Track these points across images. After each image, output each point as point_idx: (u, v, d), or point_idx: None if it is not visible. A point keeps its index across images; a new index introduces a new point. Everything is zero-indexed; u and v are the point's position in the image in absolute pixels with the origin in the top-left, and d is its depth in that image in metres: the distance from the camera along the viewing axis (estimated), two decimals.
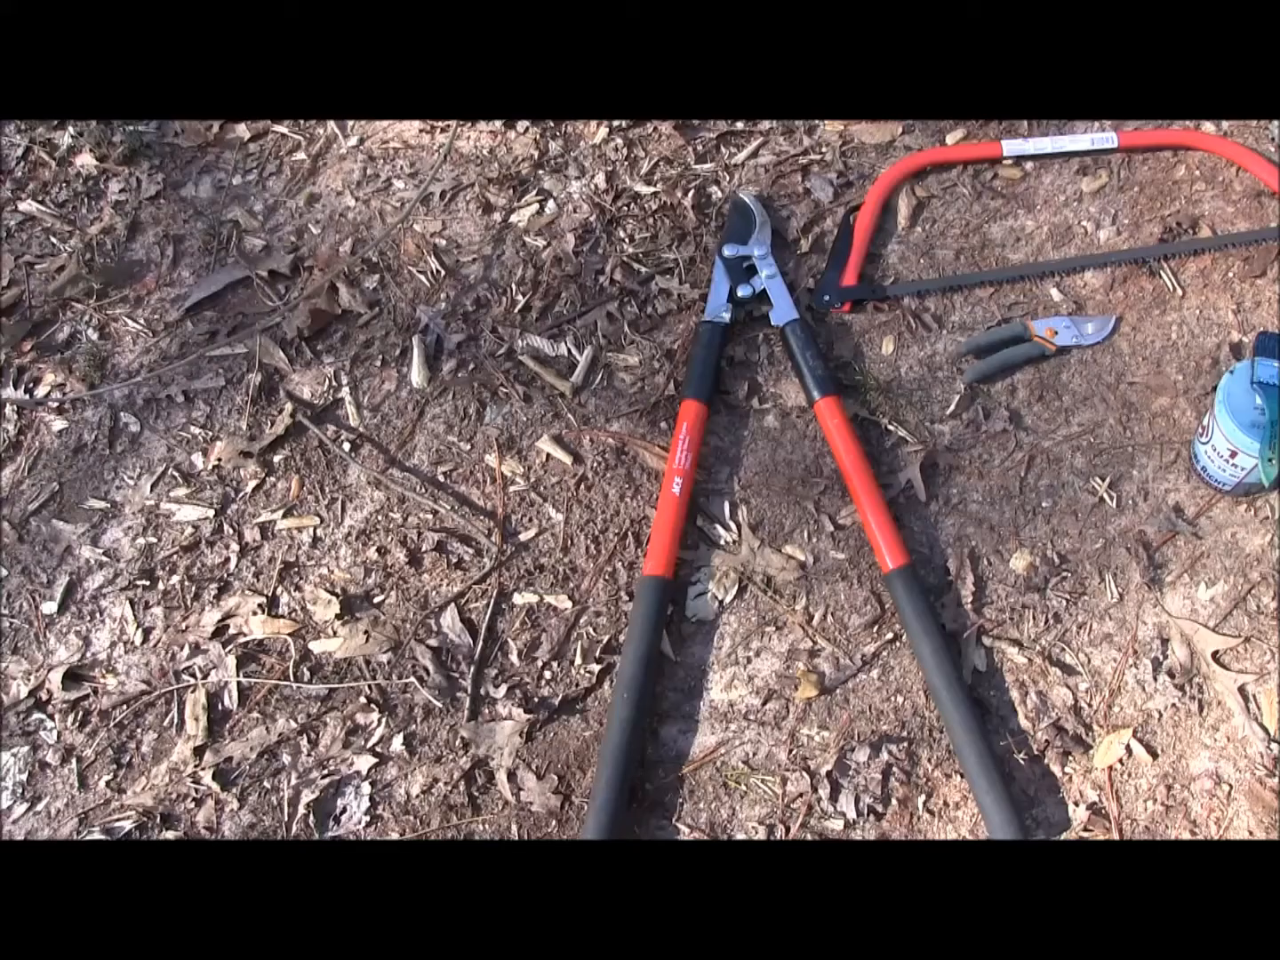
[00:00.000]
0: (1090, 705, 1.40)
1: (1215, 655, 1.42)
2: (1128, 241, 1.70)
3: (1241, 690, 1.39)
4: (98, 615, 1.56)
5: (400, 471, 1.64)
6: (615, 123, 1.91)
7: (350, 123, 1.99)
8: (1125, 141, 1.78)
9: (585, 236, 1.76)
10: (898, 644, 1.43)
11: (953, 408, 1.57)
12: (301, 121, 1.96)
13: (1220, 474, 1.42)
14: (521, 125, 1.90)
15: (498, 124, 1.93)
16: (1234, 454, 1.37)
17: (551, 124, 1.91)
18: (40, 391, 1.75)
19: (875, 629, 1.44)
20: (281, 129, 1.96)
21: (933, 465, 1.53)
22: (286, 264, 1.79)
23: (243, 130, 2.01)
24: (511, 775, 1.37)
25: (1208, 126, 1.83)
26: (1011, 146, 1.76)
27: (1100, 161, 1.80)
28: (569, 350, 1.66)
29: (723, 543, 1.50)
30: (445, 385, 1.66)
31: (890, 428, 1.55)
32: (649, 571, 1.48)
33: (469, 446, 1.60)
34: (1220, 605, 1.43)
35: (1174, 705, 1.40)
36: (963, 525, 1.48)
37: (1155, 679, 1.41)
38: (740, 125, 1.90)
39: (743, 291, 1.64)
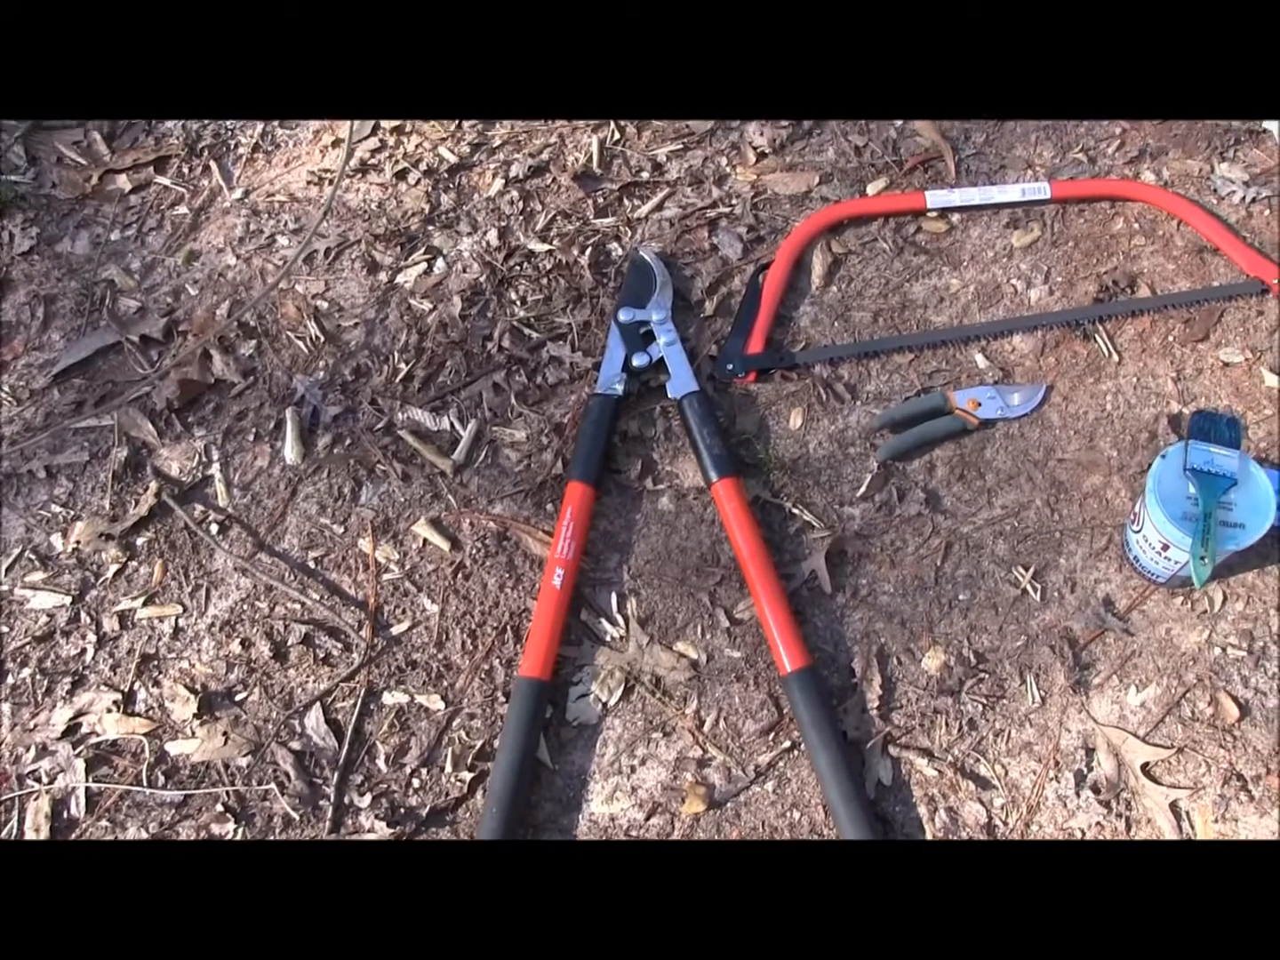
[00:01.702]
0: (1006, 823, 1.31)
1: (1145, 768, 1.32)
2: (1060, 302, 1.58)
3: (1173, 807, 1.29)
4: None
5: (269, 556, 1.54)
6: (512, 174, 1.84)
7: (235, 174, 1.93)
8: (1059, 192, 1.67)
9: (474, 299, 1.64)
10: (796, 753, 1.31)
11: (864, 489, 1.45)
12: (185, 173, 1.84)
13: (1153, 565, 1.32)
14: (413, 177, 1.77)
15: (388, 175, 1.86)
16: (1166, 547, 1.26)
17: (445, 175, 1.85)
18: None
19: (771, 736, 1.33)
20: (164, 180, 1.85)
21: (840, 553, 1.41)
22: (160, 328, 1.68)
23: (124, 181, 1.93)
24: None
25: (1148, 176, 1.69)
26: (936, 198, 1.65)
27: (1032, 213, 1.69)
28: (451, 424, 1.54)
29: (609, 639, 1.38)
30: (320, 462, 1.53)
31: (795, 511, 1.43)
32: (525, 673, 1.38)
33: (342, 529, 1.48)
34: (1152, 711, 1.33)
35: (1098, 823, 1.29)
36: (871, 620, 1.36)
37: (1078, 793, 1.30)
38: (645, 176, 1.82)
39: (638, 360, 1.52)
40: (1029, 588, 1.41)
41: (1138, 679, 1.36)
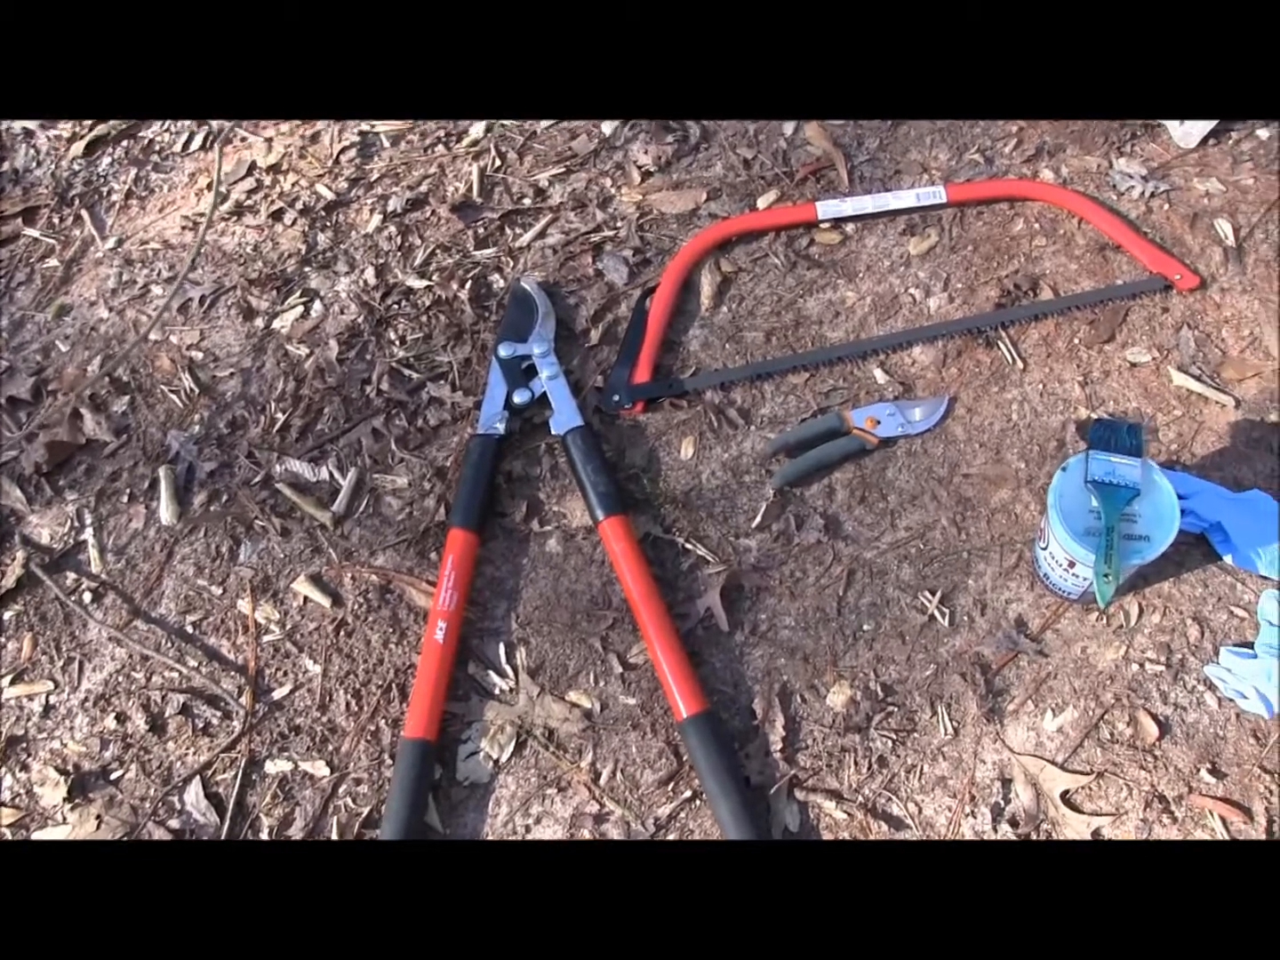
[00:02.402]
0: None
1: (1065, 796, 1.27)
2: (961, 309, 1.52)
3: (1095, 835, 1.24)
4: None
5: (145, 624, 1.48)
6: (390, 209, 1.80)
7: (109, 222, 1.88)
8: (955, 195, 1.62)
9: (351, 341, 1.58)
10: (697, 803, 1.23)
11: (760, 518, 1.38)
12: (56, 224, 1.77)
13: (1063, 583, 1.29)
14: (289, 217, 1.70)
15: (263, 216, 1.81)
16: (1073, 564, 1.23)
17: (322, 213, 1.80)
18: None
19: (671, 786, 1.27)
20: (33, 232, 1.78)
21: (737, 588, 1.35)
22: (28, 388, 1.61)
23: None
24: None
25: (1046, 174, 1.64)
26: (827, 208, 1.59)
27: (929, 219, 1.63)
28: (331, 474, 1.47)
29: (498, 692, 1.31)
30: (196, 521, 1.46)
31: (688, 546, 1.36)
32: (410, 734, 1.32)
33: (220, 591, 1.41)
34: (1070, 736, 1.28)
35: None
36: (772, 657, 1.30)
37: (996, 828, 1.25)
38: (527, 203, 1.77)
39: (520, 397, 1.46)
40: (937, 613, 1.35)
41: (1054, 703, 1.31)
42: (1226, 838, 1.21)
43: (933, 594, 1.35)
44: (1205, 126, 1.71)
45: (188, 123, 1.86)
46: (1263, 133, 1.74)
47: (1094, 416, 1.46)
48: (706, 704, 1.29)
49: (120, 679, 1.45)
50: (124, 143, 1.91)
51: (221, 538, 1.49)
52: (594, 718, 1.33)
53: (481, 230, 1.70)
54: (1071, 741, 1.28)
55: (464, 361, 1.56)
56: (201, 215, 1.77)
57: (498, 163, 1.78)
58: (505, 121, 1.78)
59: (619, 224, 1.68)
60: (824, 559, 1.38)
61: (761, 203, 1.68)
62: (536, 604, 1.39)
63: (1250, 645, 1.30)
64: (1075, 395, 1.48)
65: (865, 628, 1.34)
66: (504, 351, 1.51)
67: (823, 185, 1.71)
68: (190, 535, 1.50)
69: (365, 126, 1.83)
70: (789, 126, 1.79)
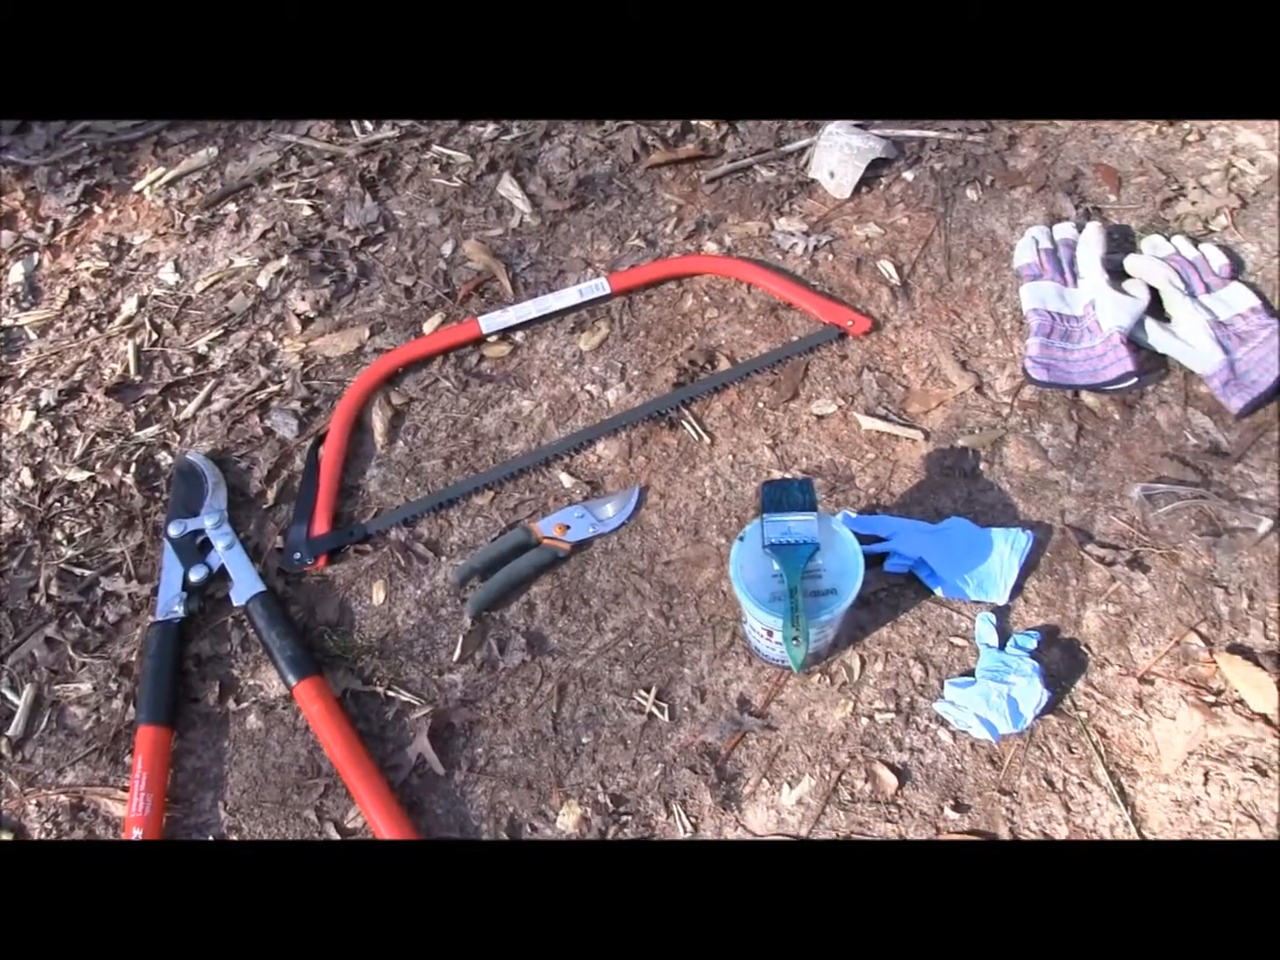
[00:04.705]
0: None
1: None
2: (641, 396, 1.55)
3: None
4: None
5: None
6: (42, 403, 1.79)
7: None
8: (619, 284, 1.66)
9: (13, 550, 1.53)
10: None
11: (459, 650, 1.37)
12: None
13: (771, 652, 1.30)
14: None
15: None
16: (770, 632, 1.23)
17: None
18: None
19: None
20: None
21: (447, 727, 1.33)
22: None
23: None
24: None
25: (710, 247, 1.69)
26: (490, 321, 1.61)
27: (598, 312, 1.66)
28: (3, 695, 1.38)
29: None
30: None
31: (391, 694, 1.34)
32: None
33: None
34: (810, 805, 1.31)
35: None
36: (494, 791, 1.28)
37: None
38: (188, 372, 1.79)
39: (196, 575, 1.42)
40: (655, 710, 1.35)
41: (789, 775, 1.32)
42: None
43: (648, 691, 1.35)
44: (855, 176, 1.78)
45: None
46: (908, 175, 1.83)
47: (788, 475, 1.47)
48: None
49: None
50: None
51: None
52: None
53: (143, 409, 1.68)
54: (813, 811, 1.28)
55: (137, 549, 1.53)
56: None
57: (154, 336, 1.77)
58: (159, 292, 1.75)
59: (284, 377, 1.67)
60: (533, 679, 1.37)
61: (427, 328, 1.70)
62: (244, 787, 1.35)
63: (973, 673, 1.30)
64: (766, 459, 1.50)
65: (585, 740, 1.32)
66: (174, 530, 1.48)
67: (487, 299, 1.73)
68: None
69: (8, 321, 1.79)
70: (447, 247, 1.82)
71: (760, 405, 1.59)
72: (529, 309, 1.67)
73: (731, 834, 1.30)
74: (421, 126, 2.04)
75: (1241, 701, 1.31)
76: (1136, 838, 1.24)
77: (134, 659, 1.46)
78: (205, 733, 1.40)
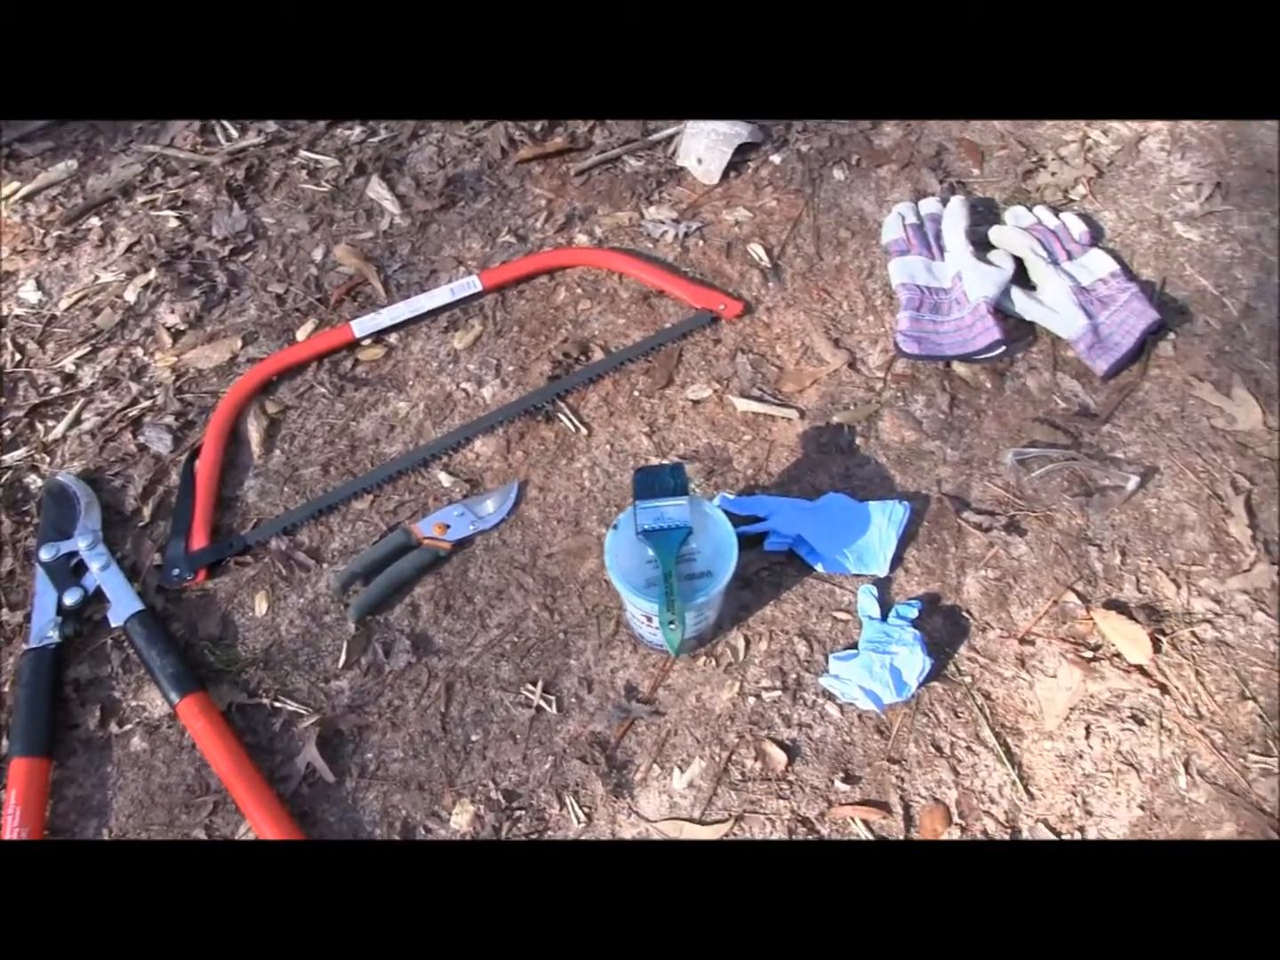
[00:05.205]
0: None
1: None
2: (516, 391, 1.56)
3: None
4: None
5: None
6: None
7: None
8: (491, 281, 1.66)
9: None
10: None
11: (344, 656, 1.36)
12: None
13: (654, 638, 1.32)
14: None
15: None
16: (650, 618, 1.25)
17: None
18: None
19: None
20: None
21: (336, 734, 1.33)
22: None
23: None
24: None
25: (582, 239, 1.70)
26: (363, 325, 1.61)
27: (471, 310, 1.67)
28: None
29: None
30: None
31: (277, 704, 1.34)
32: None
33: None
34: (702, 788, 1.32)
35: None
36: (387, 795, 1.28)
37: None
38: (56, 392, 1.76)
39: (71, 598, 1.41)
40: (543, 703, 1.36)
41: (680, 759, 1.34)
42: (872, 839, 1.26)
43: (535, 685, 1.36)
44: (723, 161, 1.80)
45: None
46: (775, 158, 1.86)
47: (667, 460, 1.52)
48: None
49: None
50: None
51: None
52: None
53: (8, 432, 1.65)
54: (705, 793, 1.30)
55: (8, 575, 1.51)
56: None
57: (18, 356, 1.74)
58: (20, 312, 1.72)
59: (156, 392, 1.66)
60: (420, 680, 1.37)
61: (300, 335, 1.69)
62: (129, 811, 1.34)
63: (856, 646, 1.32)
64: (644, 447, 1.52)
65: (474, 738, 1.33)
66: (46, 554, 1.46)
67: (360, 303, 1.73)
68: None
69: None
70: (317, 252, 1.81)
71: (636, 393, 1.60)
72: (401, 310, 1.67)
73: (626, 822, 1.32)
74: (287, 132, 2.02)
75: (1118, 655, 1.34)
76: (1025, 796, 1.25)
77: (7, 690, 1.42)
78: (87, 759, 1.38)
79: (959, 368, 1.60)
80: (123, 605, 1.44)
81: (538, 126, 1.95)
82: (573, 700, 1.36)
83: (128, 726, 1.39)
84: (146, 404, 1.67)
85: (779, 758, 1.31)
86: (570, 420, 1.57)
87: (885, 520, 1.42)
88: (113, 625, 1.44)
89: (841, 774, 1.29)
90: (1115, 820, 1.24)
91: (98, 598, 1.47)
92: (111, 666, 1.43)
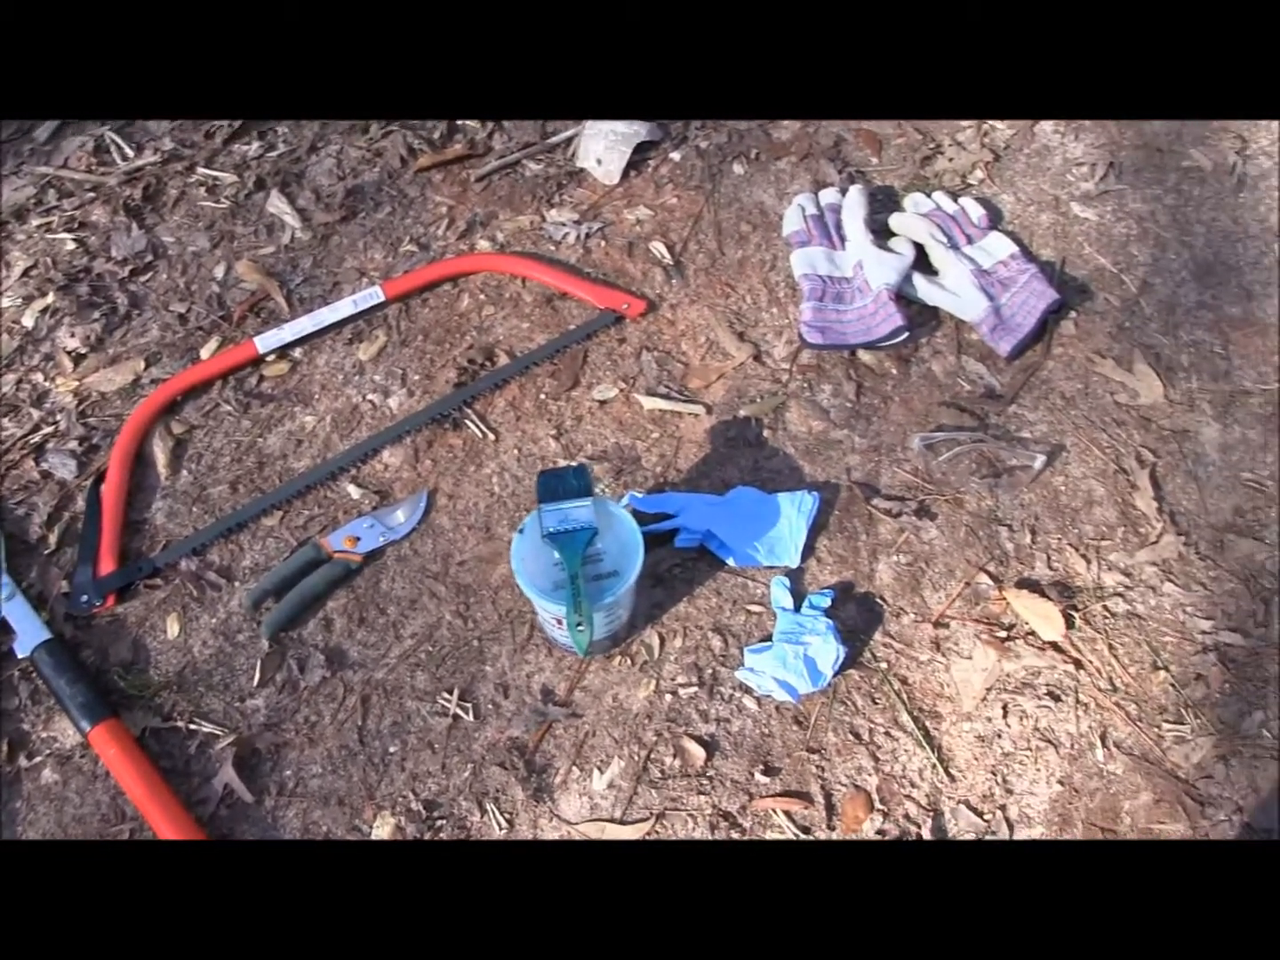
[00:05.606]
0: None
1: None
2: (423, 400, 1.56)
3: None
4: None
5: None
6: None
7: None
8: (394, 290, 1.66)
9: None
10: None
11: (258, 674, 1.35)
12: None
13: (567, 640, 1.31)
14: None
15: None
16: (560, 621, 1.24)
17: None
18: None
19: None
20: None
21: (253, 753, 1.33)
22: None
23: None
24: None
25: (484, 245, 1.71)
26: (266, 340, 1.61)
27: (375, 321, 1.67)
28: None
29: None
30: None
31: (192, 727, 1.33)
32: None
33: None
34: (622, 788, 1.33)
35: None
36: (307, 812, 1.29)
37: None
38: None
39: None
40: (459, 711, 1.36)
41: (599, 760, 1.35)
42: (795, 830, 1.30)
43: (451, 693, 1.37)
44: (623, 161, 1.82)
45: None
46: (675, 155, 1.88)
47: (573, 462, 1.53)
48: None
49: None
50: None
51: None
52: None
53: None
54: (625, 793, 1.30)
55: None
56: None
57: None
58: None
59: (58, 417, 1.64)
60: (336, 694, 1.37)
61: (204, 353, 1.68)
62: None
63: (770, 638, 1.33)
64: (552, 449, 1.52)
65: (393, 750, 1.33)
66: None
67: (263, 318, 1.72)
68: None
69: None
70: (219, 269, 1.80)
71: (542, 397, 1.60)
72: (304, 324, 1.66)
73: (548, 825, 1.33)
74: (184, 150, 2.01)
75: (1032, 633, 1.36)
76: (945, 778, 1.27)
77: None
78: None
79: (864, 356, 1.62)
80: (29, 635, 1.43)
81: (436, 134, 1.96)
82: (489, 707, 1.36)
83: (37, 759, 1.38)
84: (49, 430, 1.65)
85: (698, 754, 1.32)
86: (478, 426, 1.57)
87: (795, 511, 1.43)
88: (19, 656, 1.41)
89: (761, 766, 1.30)
90: (1035, 797, 1.27)
91: (2, 629, 1.43)
92: (19, 699, 1.42)
